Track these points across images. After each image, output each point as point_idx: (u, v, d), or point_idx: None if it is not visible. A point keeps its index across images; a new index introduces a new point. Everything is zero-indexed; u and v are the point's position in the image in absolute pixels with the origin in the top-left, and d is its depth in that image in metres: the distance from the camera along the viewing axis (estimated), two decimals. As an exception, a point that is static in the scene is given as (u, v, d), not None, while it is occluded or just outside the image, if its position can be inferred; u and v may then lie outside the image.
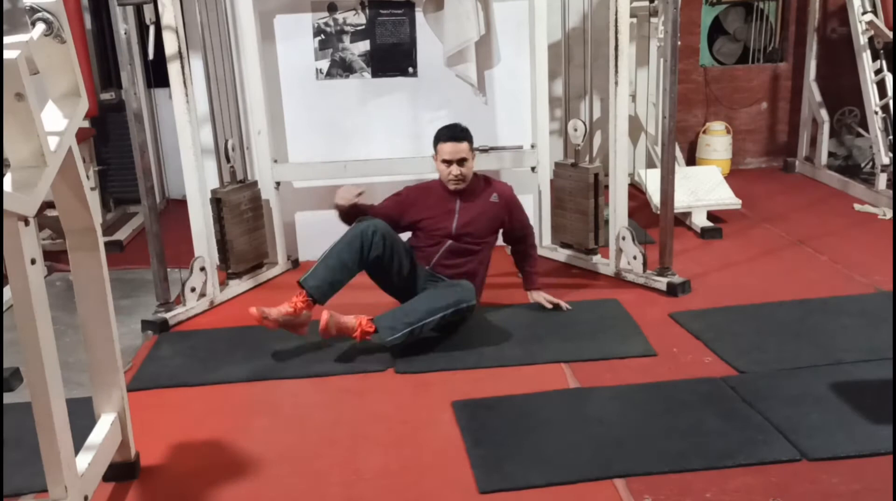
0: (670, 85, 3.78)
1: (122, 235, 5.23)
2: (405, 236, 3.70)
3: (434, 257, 3.60)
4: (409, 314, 3.29)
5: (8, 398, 2.07)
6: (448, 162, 3.51)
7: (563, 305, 3.77)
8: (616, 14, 3.84)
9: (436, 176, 4.33)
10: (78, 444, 2.19)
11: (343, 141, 4.50)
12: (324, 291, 3.34)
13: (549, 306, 3.77)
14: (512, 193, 3.74)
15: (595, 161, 4.35)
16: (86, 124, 5.16)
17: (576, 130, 4.24)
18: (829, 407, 2.76)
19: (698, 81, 6.66)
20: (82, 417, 2.35)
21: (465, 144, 3.50)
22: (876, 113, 5.48)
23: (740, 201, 5.05)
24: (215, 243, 4.09)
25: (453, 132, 3.52)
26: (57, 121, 2.04)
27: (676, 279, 3.93)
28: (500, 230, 3.76)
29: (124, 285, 4.24)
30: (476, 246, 3.65)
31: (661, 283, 3.94)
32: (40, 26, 1.95)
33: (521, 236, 3.79)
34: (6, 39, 1.88)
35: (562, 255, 4.46)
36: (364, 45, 4.42)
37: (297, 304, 3.31)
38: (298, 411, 2.97)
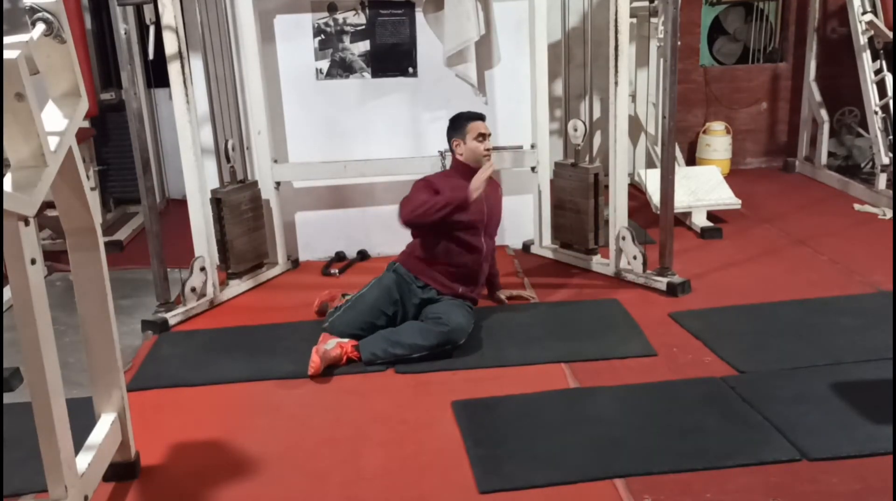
0: (670, 85, 3.78)
1: (122, 235, 5.23)
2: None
3: (479, 274, 3.56)
4: (394, 346, 3.25)
5: (8, 398, 2.07)
6: (483, 135, 3.55)
7: (527, 295, 3.90)
8: (616, 14, 3.84)
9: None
10: (78, 444, 2.19)
11: (343, 141, 4.50)
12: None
13: (510, 299, 3.88)
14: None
15: (595, 161, 4.35)
16: (86, 124, 5.15)
17: (576, 130, 4.24)
18: (829, 407, 2.76)
19: (698, 81, 6.66)
20: (82, 417, 2.35)
21: (484, 122, 3.62)
22: (876, 113, 5.48)
23: (740, 201, 5.05)
24: (215, 243, 4.09)
25: (476, 112, 3.65)
26: (57, 121, 2.04)
27: (676, 279, 3.93)
28: None
29: (124, 285, 4.24)
30: (494, 243, 3.66)
31: (661, 283, 3.94)
32: (40, 26, 1.95)
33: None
34: (6, 39, 1.88)
35: (562, 255, 4.47)
36: (364, 45, 4.42)
37: (347, 353, 3.27)
38: (298, 411, 2.97)
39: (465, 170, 3.54)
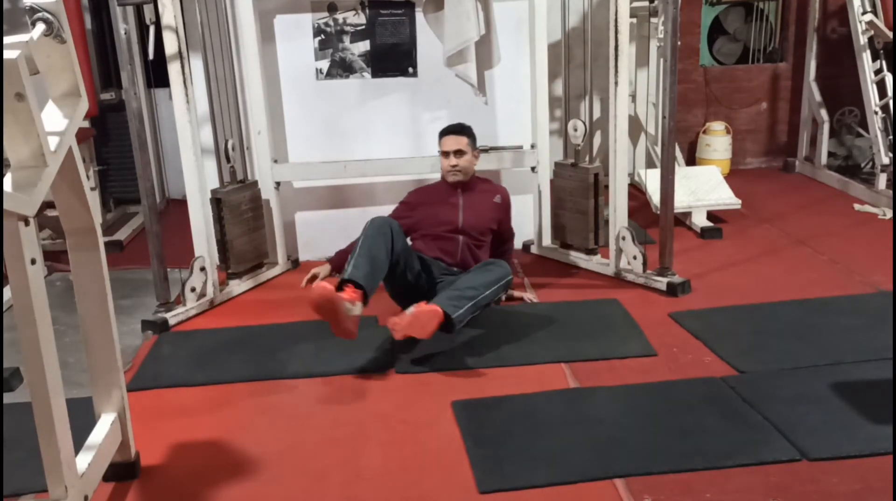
0: (670, 85, 3.78)
1: (122, 235, 5.23)
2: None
3: (457, 254, 3.69)
4: (467, 290, 3.26)
5: (8, 398, 2.07)
6: (446, 153, 3.71)
7: (528, 297, 3.89)
8: (616, 14, 3.84)
9: (436, 176, 4.36)
10: (78, 444, 2.19)
11: (343, 141, 4.50)
12: (371, 281, 3.20)
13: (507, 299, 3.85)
14: (509, 198, 3.90)
15: (595, 161, 4.35)
16: (86, 124, 5.16)
17: (576, 130, 4.25)
18: (829, 407, 2.76)
19: (698, 81, 6.66)
20: (82, 417, 2.35)
21: (463, 138, 3.71)
22: (876, 113, 5.48)
23: (740, 201, 5.05)
24: (215, 243, 4.09)
25: (453, 127, 3.77)
26: (57, 121, 2.04)
27: (676, 279, 3.93)
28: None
29: (124, 285, 4.24)
30: (481, 243, 3.76)
31: (661, 283, 3.94)
32: (40, 26, 1.95)
33: (503, 240, 3.91)
34: (6, 39, 1.88)
35: (562, 255, 4.46)
36: (364, 45, 4.42)
37: (350, 295, 3.11)
38: (299, 411, 2.97)
39: (442, 182, 3.83)
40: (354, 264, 3.21)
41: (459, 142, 3.70)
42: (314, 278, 3.76)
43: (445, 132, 3.75)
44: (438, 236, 3.71)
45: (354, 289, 3.14)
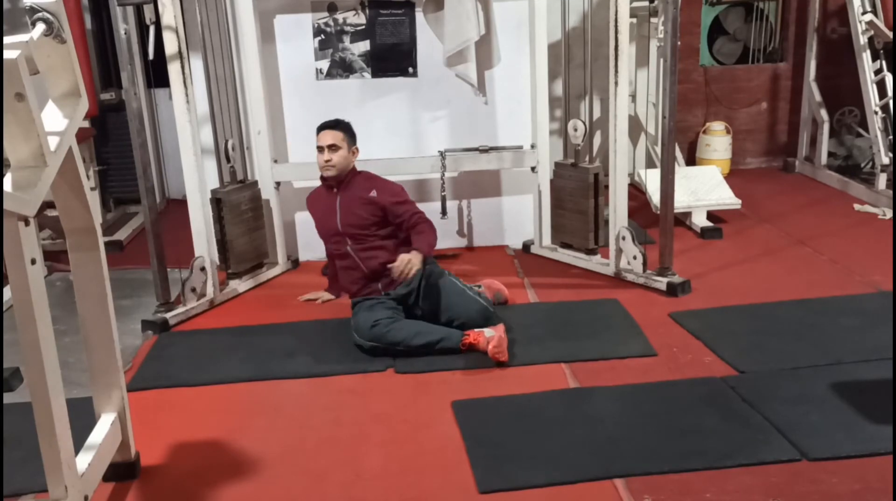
0: (670, 85, 3.77)
1: (122, 235, 5.23)
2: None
3: (360, 267, 3.55)
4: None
5: (8, 398, 2.07)
6: (321, 148, 3.58)
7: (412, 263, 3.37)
8: (616, 14, 3.83)
9: (435, 175, 4.37)
10: (78, 444, 2.19)
11: (343, 141, 4.49)
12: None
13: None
14: (393, 190, 3.62)
15: (595, 161, 4.35)
16: (86, 124, 5.15)
17: (576, 130, 4.25)
18: (829, 407, 2.76)
19: (698, 81, 6.66)
20: (82, 417, 2.35)
21: (339, 133, 3.59)
22: (876, 113, 5.48)
23: (740, 201, 5.05)
24: (215, 243, 4.09)
25: (329, 122, 3.65)
26: (57, 121, 2.04)
27: (676, 279, 3.93)
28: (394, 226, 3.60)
29: (124, 285, 4.24)
30: (367, 238, 3.56)
31: (661, 283, 3.94)
32: (40, 26, 1.95)
33: (409, 227, 3.54)
34: (6, 39, 1.88)
35: (562, 255, 4.46)
36: (364, 45, 4.42)
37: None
38: (298, 411, 2.97)
39: (324, 185, 3.72)
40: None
41: (335, 136, 3.56)
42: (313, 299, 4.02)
43: (321, 128, 3.63)
44: (333, 254, 3.68)
45: None
